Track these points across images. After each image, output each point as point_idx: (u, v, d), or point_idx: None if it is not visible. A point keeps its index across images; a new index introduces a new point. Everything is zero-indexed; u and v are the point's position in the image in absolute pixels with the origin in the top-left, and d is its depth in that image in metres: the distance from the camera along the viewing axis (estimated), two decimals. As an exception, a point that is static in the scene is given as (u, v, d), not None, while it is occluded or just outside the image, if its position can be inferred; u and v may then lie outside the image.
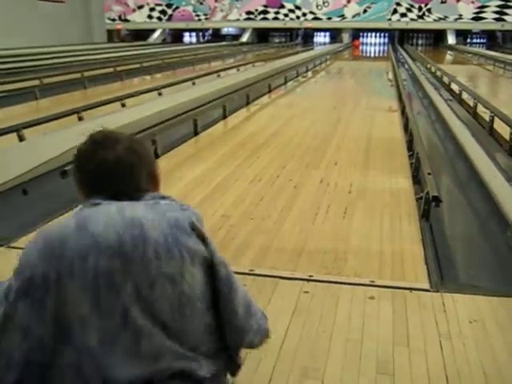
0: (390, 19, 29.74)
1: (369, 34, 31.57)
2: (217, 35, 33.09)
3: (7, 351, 1.11)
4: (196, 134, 6.53)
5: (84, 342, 1.10)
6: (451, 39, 28.69)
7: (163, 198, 1.29)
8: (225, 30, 33.50)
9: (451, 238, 3.58)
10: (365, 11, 30.04)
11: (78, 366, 1.10)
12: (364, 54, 26.63)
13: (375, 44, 31.01)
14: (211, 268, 1.23)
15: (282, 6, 30.88)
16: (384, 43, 30.52)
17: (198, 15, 32.14)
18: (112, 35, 32.60)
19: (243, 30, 31.94)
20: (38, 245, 1.15)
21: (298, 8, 30.65)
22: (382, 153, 5.56)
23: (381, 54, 25.73)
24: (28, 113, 7.41)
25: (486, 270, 3.19)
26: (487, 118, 6.91)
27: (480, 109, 7.68)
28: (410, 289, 2.65)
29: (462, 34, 29.36)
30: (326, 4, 30.34)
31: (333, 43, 29.68)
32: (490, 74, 15.45)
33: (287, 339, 2.21)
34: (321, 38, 32.45)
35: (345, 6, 30.18)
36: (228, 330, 1.25)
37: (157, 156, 5.19)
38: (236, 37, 32.08)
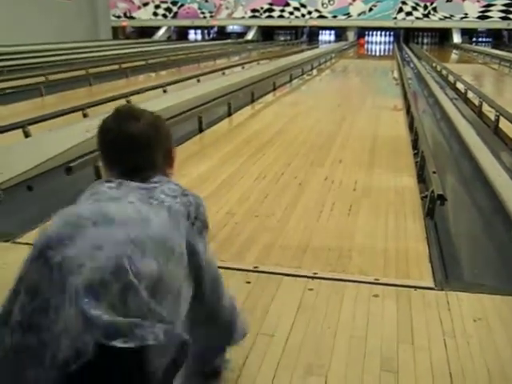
0: (395, 18, 29.60)
1: (374, 33, 31.39)
2: (222, 33, 33.02)
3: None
4: (201, 131, 6.54)
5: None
6: (457, 38, 28.56)
7: (169, 182, 1.32)
8: (230, 28, 33.43)
9: (456, 237, 3.58)
10: (370, 9, 29.91)
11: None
12: (369, 53, 26.54)
13: (380, 42, 30.87)
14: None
15: (288, 4, 30.77)
16: (389, 42, 30.39)
17: (203, 13, 32.09)
18: (117, 32, 32.56)
19: (248, 28, 31.84)
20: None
21: (304, 6, 30.55)
22: (386, 151, 5.55)
23: (386, 53, 25.67)
24: (33, 109, 7.44)
25: (490, 268, 3.19)
26: (492, 116, 6.89)
27: (485, 108, 7.66)
28: (415, 287, 2.65)
29: (467, 33, 29.17)
30: (331, 2, 30.22)
31: (338, 41, 29.57)
32: (495, 72, 15.40)
33: (292, 336, 2.22)
34: (326, 36, 32.31)
35: (350, 4, 30.05)
36: None
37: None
38: (241, 34, 31.99)
